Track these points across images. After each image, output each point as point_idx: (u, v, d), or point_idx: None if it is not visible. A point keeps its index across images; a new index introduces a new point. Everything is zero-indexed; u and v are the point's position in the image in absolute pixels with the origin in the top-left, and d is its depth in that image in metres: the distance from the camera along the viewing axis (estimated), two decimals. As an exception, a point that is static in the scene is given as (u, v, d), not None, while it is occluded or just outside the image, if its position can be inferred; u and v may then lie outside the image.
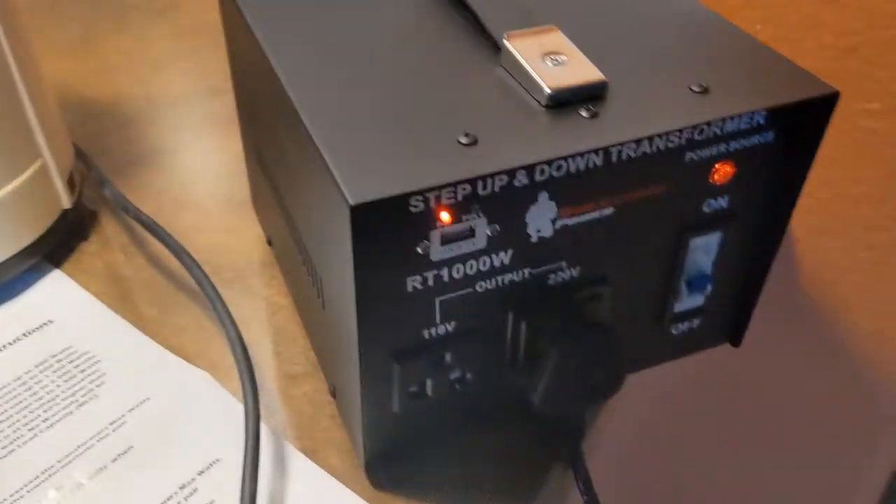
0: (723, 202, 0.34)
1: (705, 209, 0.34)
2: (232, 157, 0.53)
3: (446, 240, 0.30)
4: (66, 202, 0.46)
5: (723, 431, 0.72)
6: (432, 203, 0.28)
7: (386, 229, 0.28)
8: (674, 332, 0.38)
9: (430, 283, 0.30)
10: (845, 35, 0.52)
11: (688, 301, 0.37)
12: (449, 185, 0.27)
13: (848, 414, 0.67)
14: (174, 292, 0.44)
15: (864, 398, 0.65)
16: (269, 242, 0.46)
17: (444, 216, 0.29)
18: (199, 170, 0.54)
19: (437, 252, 0.30)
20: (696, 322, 0.38)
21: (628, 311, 0.36)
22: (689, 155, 0.32)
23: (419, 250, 0.29)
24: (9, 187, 0.42)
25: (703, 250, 0.35)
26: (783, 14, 0.52)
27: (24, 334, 0.42)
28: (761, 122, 0.32)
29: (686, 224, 0.34)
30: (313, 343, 0.41)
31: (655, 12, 0.37)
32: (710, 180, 0.33)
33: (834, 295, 0.61)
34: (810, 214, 0.58)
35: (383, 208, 0.27)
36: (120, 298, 0.44)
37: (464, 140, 0.29)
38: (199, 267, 0.41)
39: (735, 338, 0.40)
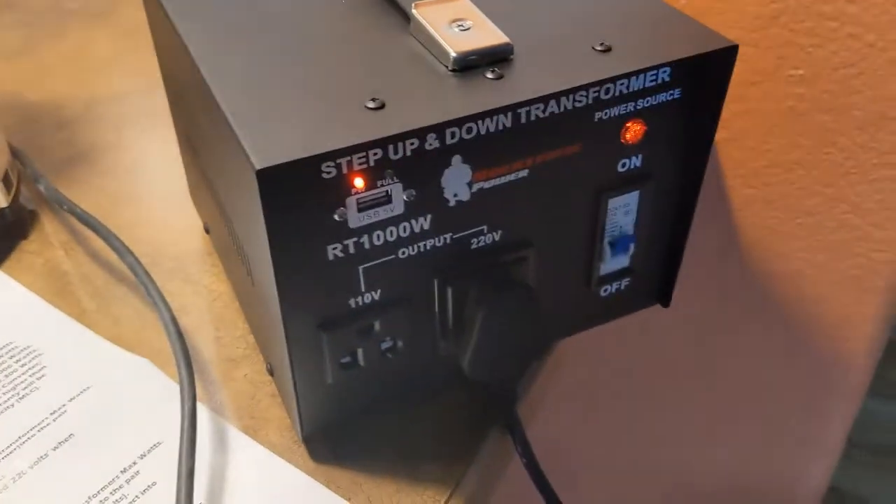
0: (637, 161, 0.35)
1: (620, 169, 0.35)
2: (170, 152, 0.54)
3: (363, 206, 0.30)
4: (1, 201, 0.46)
5: (668, 395, 0.73)
6: (344, 168, 0.29)
7: (299, 196, 0.28)
8: (602, 294, 0.39)
9: (352, 250, 0.31)
10: (768, 4, 0.53)
11: (613, 262, 0.38)
12: (356, 147, 0.28)
13: (797, 379, 0.68)
14: (114, 285, 0.45)
15: (812, 363, 0.67)
16: (207, 231, 0.47)
17: (359, 182, 0.29)
18: (137, 165, 0.54)
19: (355, 219, 0.30)
20: (623, 283, 0.39)
21: (555, 275, 0.37)
22: (598, 114, 0.32)
23: (337, 217, 0.30)
24: (-59, 188, 0.42)
25: (623, 210, 0.36)
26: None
27: (-36, 333, 0.42)
28: (666, 78, 0.33)
29: (603, 184, 0.35)
30: (251, 324, 0.41)
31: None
32: (623, 140, 0.34)
33: (774, 263, 0.62)
34: (747, 184, 0.59)
35: (292, 173, 0.27)
36: (60, 293, 0.44)
37: (371, 104, 0.29)
38: (130, 253, 0.41)
39: (664, 298, 0.41)
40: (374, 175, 0.29)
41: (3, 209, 0.46)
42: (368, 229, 0.31)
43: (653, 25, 0.34)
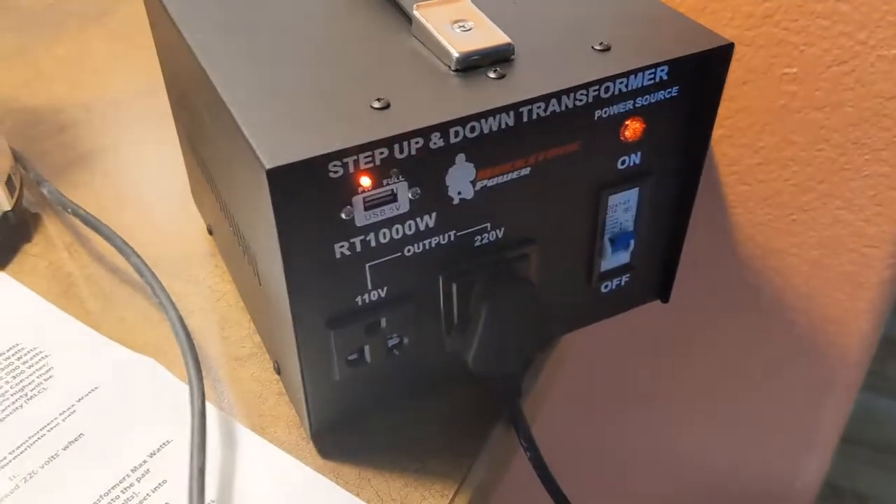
0: (636, 158, 0.36)
1: (620, 166, 0.36)
2: (171, 154, 0.54)
3: (369, 205, 0.31)
4: (5, 204, 0.46)
5: (667, 390, 0.73)
6: (351, 167, 0.29)
7: (307, 195, 0.29)
8: (603, 290, 0.40)
9: (358, 248, 0.32)
10: (761, 3, 0.54)
11: (614, 259, 0.39)
12: (363, 146, 0.29)
13: (791, 375, 0.69)
14: (118, 286, 0.45)
15: (807, 359, 0.67)
16: (210, 231, 0.47)
17: (365, 181, 0.30)
18: (139, 167, 0.54)
19: (362, 217, 0.31)
20: (624, 279, 0.40)
21: (557, 271, 0.37)
22: (598, 113, 0.33)
23: (343, 216, 0.30)
24: (-54, 192, 0.42)
25: (623, 207, 0.37)
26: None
27: (-30, 335, 0.42)
28: (664, 77, 0.33)
29: (603, 182, 0.36)
30: (256, 324, 0.42)
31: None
32: (622, 137, 0.35)
33: (768, 259, 0.63)
34: (741, 181, 0.60)
35: (301, 173, 0.28)
36: (65, 295, 0.45)
37: (376, 104, 0.30)
38: (136, 254, 0.42)
39: (664, 294, 0.42)
40: (379, 174, 0.30)
41: (6, 212, 0.46)
42: (375, 227, 0.31)
43: (650, 25, 0.35)
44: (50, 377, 0.40)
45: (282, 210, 0.28)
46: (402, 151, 0.30)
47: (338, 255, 0.31)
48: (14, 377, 0.40)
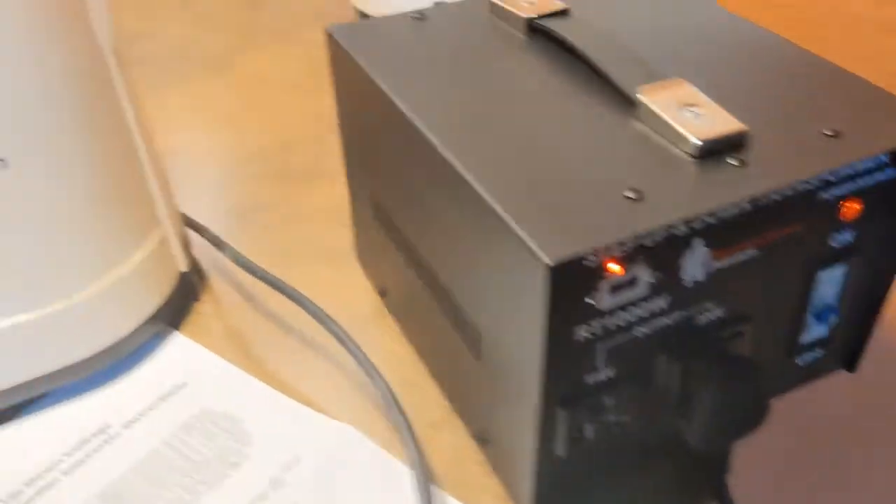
0: (849, 237, 0.36)
1: (833, 244, 0.36)
2: (322, 211, 0.55)
3: (614, 290, 0.31)
4: (183, 265, 0.47)
5: (846, 450, 0.73)
6: (606, 256, 0.30)
7: (564, 284, 0.30)
8: (799, 362, 0.40)
9: (597, 331, 0.32)
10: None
11: (814, 332, 0.39)
12: (627, 239, 0.29)
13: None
14: (294, 346, 0.46)
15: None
16: (382, 293, 0.48)
17: (615, 267, 0.30)
18: (292, 225, 0.55)
19: (605, 301, 0.31)
20: (819, 352, 0.40)
21: (763, 346, 0.38)
22: (823, 195, 0.34)
23: (589, 301, 0.31)
24: (138, 257, 0.43)
25: (830, 283, 0.37)
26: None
27: (162, 398, 0.43)
28: (886, 160, 0.34)
29: (815, 259, 0.36)
30: (451, 391, 0.42)
31: (763, 60, 0.39)
32: (839, 217, 0.35)
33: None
34: None
35: (569, 265, 0.29)
36: (243, 355, 0.45)
37: (630, 195, 0.30)
38: (329, 317, 0.42)
39: (851, 364, 0.42)
40: (627, 260, 0.31)
41: (183, 273, 0.47)
42: (614, 311, 0.32)
43: (869, 105, 0.35)
44: (249, 443, 0.41)
45: (551, 301, 0.29)
46: (651, 240, 0.30)
47: (578, 338, 0.32)
48: (211, 441, 0.41)
